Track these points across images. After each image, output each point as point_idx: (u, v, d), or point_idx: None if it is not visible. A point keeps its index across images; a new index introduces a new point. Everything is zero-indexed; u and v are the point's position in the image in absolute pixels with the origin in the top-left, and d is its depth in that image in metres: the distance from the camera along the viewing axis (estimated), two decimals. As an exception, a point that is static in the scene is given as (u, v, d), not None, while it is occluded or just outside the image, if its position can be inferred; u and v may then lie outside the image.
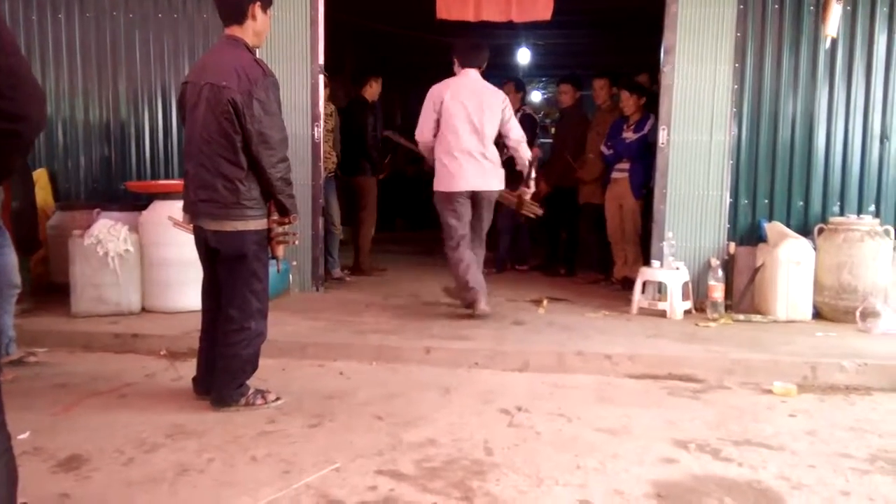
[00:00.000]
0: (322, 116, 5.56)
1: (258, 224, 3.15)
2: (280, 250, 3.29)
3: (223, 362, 3.21)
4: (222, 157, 3.07)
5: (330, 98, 6.19)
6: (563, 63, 10.99)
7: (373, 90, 6.49)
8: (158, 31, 5.61)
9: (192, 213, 3.23)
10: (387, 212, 9.17)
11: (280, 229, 3.23)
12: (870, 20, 5.04)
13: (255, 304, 3.20)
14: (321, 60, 5.46)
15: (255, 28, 3.19)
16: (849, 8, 4.97)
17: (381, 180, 6.88)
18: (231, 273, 3.18)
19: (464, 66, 4.79)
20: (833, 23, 4.76)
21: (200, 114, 3.10)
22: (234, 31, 3.17)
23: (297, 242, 3.61)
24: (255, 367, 3.31)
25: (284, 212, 3.20)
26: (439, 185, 4.74)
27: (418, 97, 5.10)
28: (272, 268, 3.32)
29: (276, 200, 3.16)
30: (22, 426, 2.90)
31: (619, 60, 8.62)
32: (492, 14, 5.45)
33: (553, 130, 7.57)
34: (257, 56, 3.21)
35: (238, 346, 3.19)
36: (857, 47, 5.06)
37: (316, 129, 5.46)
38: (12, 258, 3.76)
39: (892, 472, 2.67)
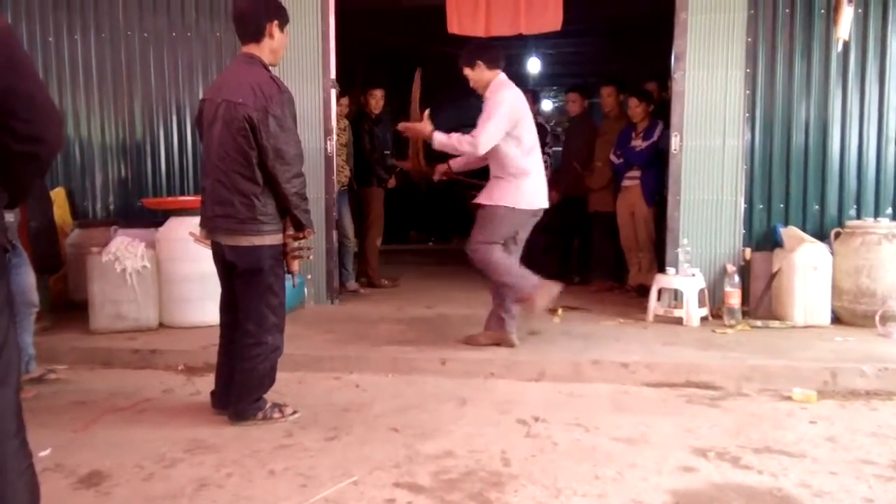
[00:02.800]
0: (335, 130, 5.60)
1: (274, 239, 3.17)
2: (295, 265, 3.31)
3: (240, 377, 3.23)
4: (238, 172, 3.10)
5: (345, 113, 6.24)
6: (574, 71, 11.01)
7: (375, 101, 6.51)
8: (172, 50, 5.69)
9: (209, 228, 3.27)
10: (400, 223, 9.19)
11: (295, 244, 3.25)
12: (882, 22, 5.01)
13: (272, 318, 3.22)
14: (333, 75, 5.50)
15: (272, 46, 3.22)
16: (860, 10, 4.95)
17: (393, 192, 6.90)
18: (247, 288, 3.20)
19: (498, 67, 4.31)
20: (845, 26, 4.73)
21: (217, 131, 3.13)
22: (251, 48, 3.21)
23: (311, 257, 3.63)
24: (272, 381, 3.32)
25: (300, 226, 3.22)
26: (522, 201, 4.24)
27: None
28: (288, 282, 3.34)
29: (291, 215, 3.18)
30: (43, 443, 2.92)
31: (630, 67, 8.61)
32: (502, 28, 5.48)
33: (563, 139, 7.59)
34: (273, 73, 3.24)
35: (255, 361, 3.20)
36: (870, 50, 5.03)
37: (329, 142, 5.50)
38: (30, 277, 3.81)
39: (915, 479, 2.64)
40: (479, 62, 4.27)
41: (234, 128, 3.06)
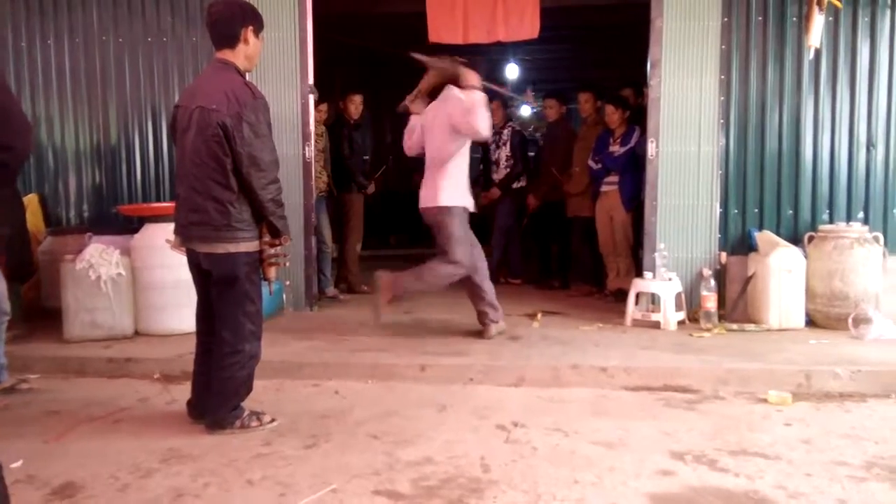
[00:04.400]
0: (313, 136, 5.58)
1: (249, 246, 3.15)
2: (271, 272, 3.28)
3: (217, 385, 3.19)
4: (213, 179, 3.07)
5: (323, 119, 6.22)
6: (551, 77, 11.10)
7: (354, 107, 6.50)
8: (148, 54, 5.62)
9: (184, 235, 3.24)
10: (380, 228, 9.17)
11: (271, 251, 3.22)
12: (852, 30, 5.11)
13: (249, 326, 3.20)
14: (311, 80, 5.48)
15: (247, 52, 3.20)
16: (831, 18, 5.03)
17: (372, 197, 6.89)
18: (223, 295, 3.18)
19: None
20: (816, 33, 4.81)
21: (191, 137, 3.10)
22: (226, 54, 3.18)
23: (287, 264, 3.61)
24: (249, 389, 3.29)
25: (276, 233, 3.19)
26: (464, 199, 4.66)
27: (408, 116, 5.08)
28: (264, 289, 3.32)
29: (267, 222, 3.16)
30: (14, 454, 2.88)
31: (607, 74, 8.70)
32: (480, 36, 5.51)
33: (540, 144, 7.64)
34: (247, 78, 3.22)
35: (232, 369, 3.17)
36: (841, 57, 5.13)
37: (307, 148, 5.48)
38: (1, 285, 3.75)
39: (888, 479, 2.68)
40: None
41: (208, 134, 3.03)
